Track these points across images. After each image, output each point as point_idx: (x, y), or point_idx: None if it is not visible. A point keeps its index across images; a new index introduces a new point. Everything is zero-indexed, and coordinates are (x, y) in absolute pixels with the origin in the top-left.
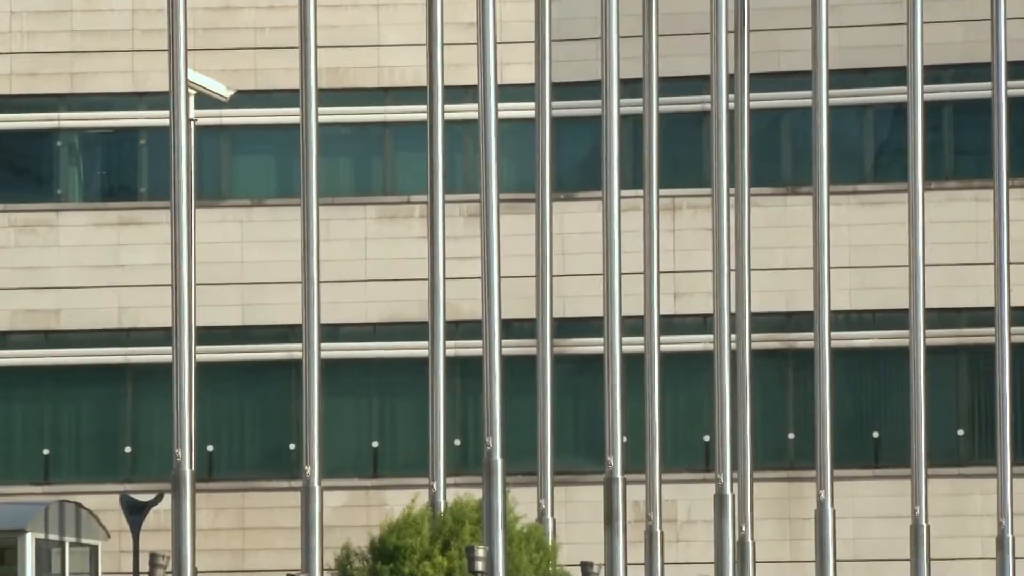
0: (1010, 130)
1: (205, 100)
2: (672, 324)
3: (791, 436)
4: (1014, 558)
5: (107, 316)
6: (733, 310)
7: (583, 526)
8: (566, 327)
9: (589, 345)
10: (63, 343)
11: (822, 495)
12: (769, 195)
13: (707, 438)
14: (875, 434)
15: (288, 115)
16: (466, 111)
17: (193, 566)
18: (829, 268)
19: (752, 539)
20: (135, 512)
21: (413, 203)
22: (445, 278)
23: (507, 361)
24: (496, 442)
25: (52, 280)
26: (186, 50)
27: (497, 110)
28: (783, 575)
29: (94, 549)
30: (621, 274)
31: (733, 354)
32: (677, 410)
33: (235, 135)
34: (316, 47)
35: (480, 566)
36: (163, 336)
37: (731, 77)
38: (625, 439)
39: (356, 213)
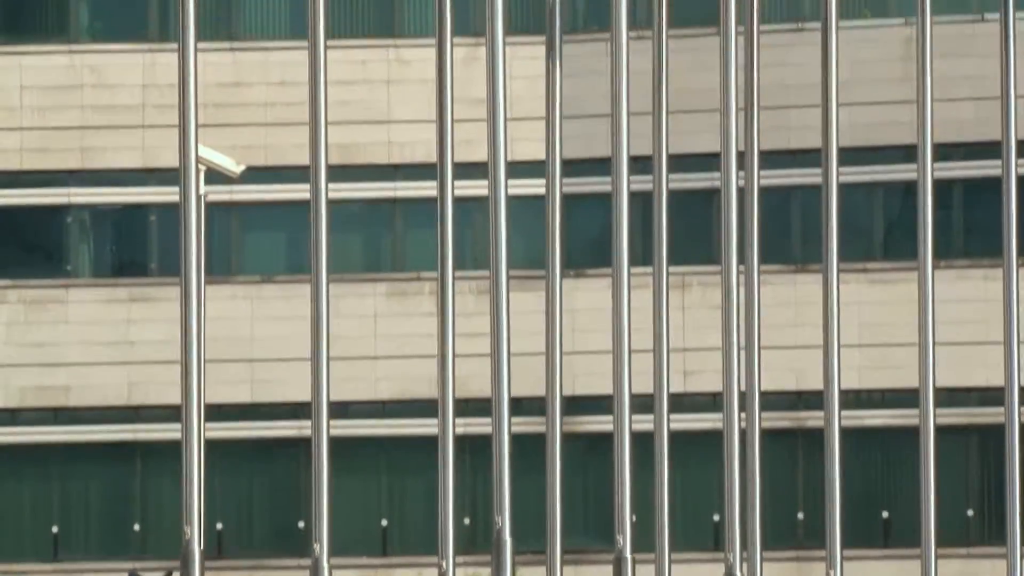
0: (1020, 209)
1: (215, 176)
2: (681, 402)
3: (800, 515)
4: None
5: (116, 393)
6: (742, 388)
7: None
8: (576, 405)
9: (598, 423)
10: (72, 420)
11: (832, 575)
12: (779, 272)
13: (716, 517)
14: (885, 514)
15: (298, 191)
16: (476, 187)
17: None
18: (839, 346)
19: None
20: None
21: (423, 280)
22: (454, 355)
23: (516, 439)
24: (505, 521)
25: (61, 357)
26: (196, 126)
27: (507, 186)
28: None
29: None
30: (631, 352)
31: (742, 433)
32: (686, 489)
33: (245, 211)
34: (326, 123)
35: None
36: (172, 413)
37: (741, 155)
38: (634, 518)
39: (366, 290)
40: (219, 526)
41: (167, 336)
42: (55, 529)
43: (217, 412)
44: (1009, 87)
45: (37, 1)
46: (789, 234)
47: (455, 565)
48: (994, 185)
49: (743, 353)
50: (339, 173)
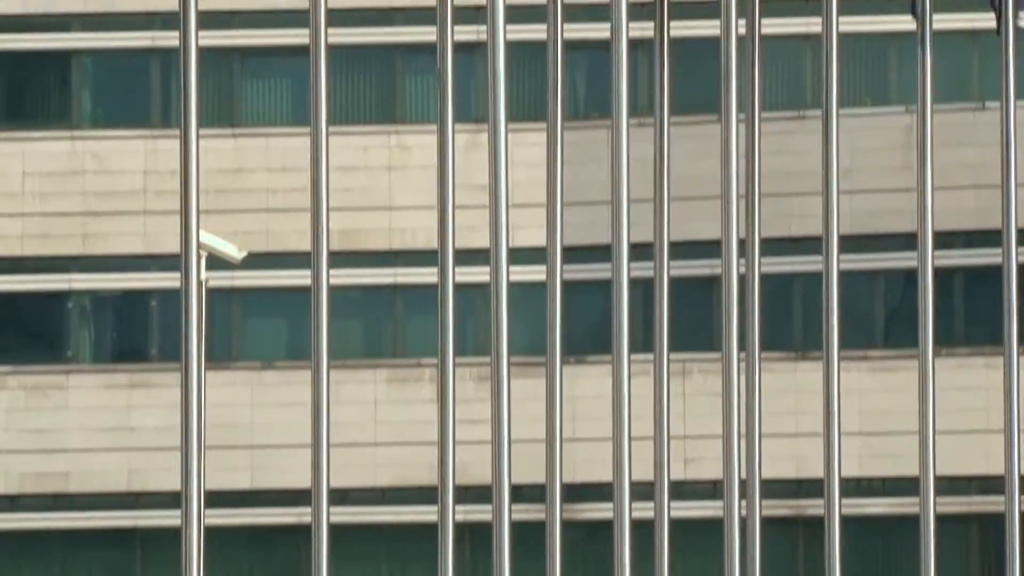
0: (1020, 297)
1: (217, 262)
2: (682, 490)
3: None
4: None
5: (116, 479)
6: (743, 476)
7: None
8: (576, 492)
9: (599, 510)
10: (72, 506)
11: None
12: (780, 360)
13: None
14: None
15: (299, 277)
16: (477, 274)
17: None
18: (839, 434)
19: None
20: None
21: (423, 366)
22: (454, 442)
23: (516, 526)
24: None
25: (62, 443)
26: (198, 212)
27: (508, 273)
28: None
29: None
30: (631, 438)
31: (743, 521)
32: None
33: (246, 297)
34: (328, 209)
35: None
36: (172, 499)
37: (742, 242)
38: None
39: (366, 376)
40: None
41: (167, 422)
42: None
43: (217, 498)
44: (1010, 175)
45: (40, 87)
46: (790, 321)
47: None
48: (995, 273)
49: (743, 440)
50: (340, 259)
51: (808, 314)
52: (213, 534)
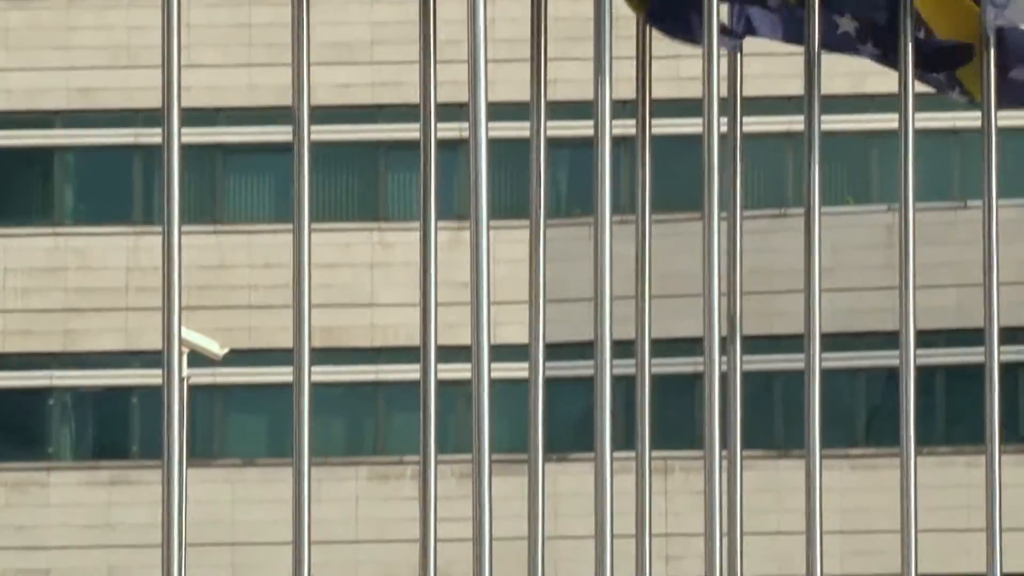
0: (1002, 397)
1: (198, 358)
2: None
3: None
4: None
5: None
6: (725, 573)
7: None
8: None
9: None
10: None
11: None
12: (761, 458)
13: None
14: None
15: (281, 374)
16: (459, 371)
17: None
18: (821, 532)
19: None
20: None
21: (405, 464)
22: (436, 539)
23: None
24: None
25: (42, 540)
26: (180, 308)
27: (490, 370)
28: None
29: None
30: (613, 536)
31: None
32: None
33: (228, 394)
34: (310, 306)
35: None
36: None
37: (723, 339)
38: None
39: (347, 473)
40: None
41: (148, 519)
42: None
43: None
44: (991, 274)
45: (22, 183)
46: (772, 419)
47: None
48: (977, 372)
49: (726, 538)
50: (322, 356)
51: (790, 412)
52: None
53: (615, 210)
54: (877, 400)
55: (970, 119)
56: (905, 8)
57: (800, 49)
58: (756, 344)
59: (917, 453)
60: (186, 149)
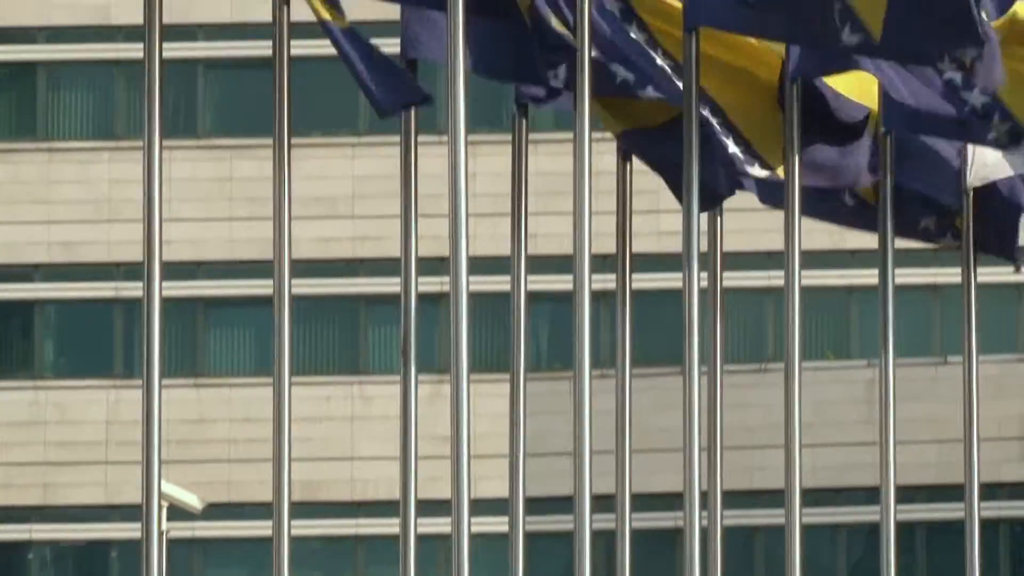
0: (983, 553)
1: (178, 512)
2: None
3: None
4: None
5: None
6: None
7: None
8: None
9: None
10: None
11: None
12: None
13: None
14: None
15: (260, 528)
16: (440, 525)
17: None
18: None
19: None
20: None
21: None
22: None
23: None
24: None
25: None
26: (160, 462)
27: (471, 524)
28: None
29: None
30: None
31: None
32: None
33: (207, 547)
34: (290, 460)
35: None
36: None
37: (704, 494)
38: None
39: None
40: None
41: None
42: None
43: None
44: (972, 430)
45: (2, 336)
46: (751, 574)
47: None
48: (957, 528)
49: None
50: (302, 510)
51: (771, 567)
52: None
53: (595, 364)
54: (858, 556)
55: (950, 275)
56: (886, 170)
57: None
58: (737, 499)
59: None
60: (167, 303)
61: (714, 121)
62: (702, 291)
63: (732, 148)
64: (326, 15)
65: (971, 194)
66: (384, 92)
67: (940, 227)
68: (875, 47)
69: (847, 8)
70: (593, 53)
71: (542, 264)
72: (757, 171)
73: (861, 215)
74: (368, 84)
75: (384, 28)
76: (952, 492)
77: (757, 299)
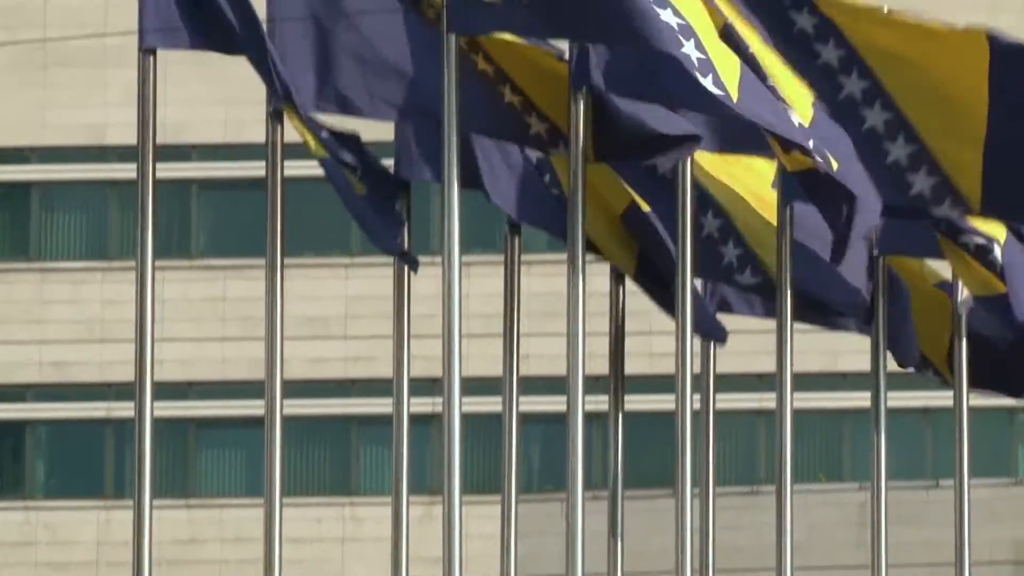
0: None
1: None
2: None
3: None
4: None
5: None
6: None
7: None
8: None
9: None
10: None
11: None
12: None
13: None
14: None
15: None
16: None
17: None
18: None
19: None
20: None
21: None
22: None
23: None
24: None
25: None
26: None
27: None
28: None
29: None
30: None
31: None
32: None
33: None
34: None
35: None
36: None
37: None
38: None
39: None
40: None
41: None
42: None
43: None
44: (963, 555)
45: None
46: None
47: None
48: None
49: None
50: None
51: None
52: None
53: (587, 486)
54: None
55: (942, 399)
56: (879, 285)
57: (773, 325)
58: None
59: None
60: (158, 423)
61: (715, 224)
62: (694, 413)
63: (729, 256)
64: (318, 150)
65: (963, 319)
66: (375, 231)
67: (925, 360)
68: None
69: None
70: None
71: (535, 385)
72: (748, 278)
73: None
74: (362, 219)
75: (378, 148)
76: None
77: (749, 421)
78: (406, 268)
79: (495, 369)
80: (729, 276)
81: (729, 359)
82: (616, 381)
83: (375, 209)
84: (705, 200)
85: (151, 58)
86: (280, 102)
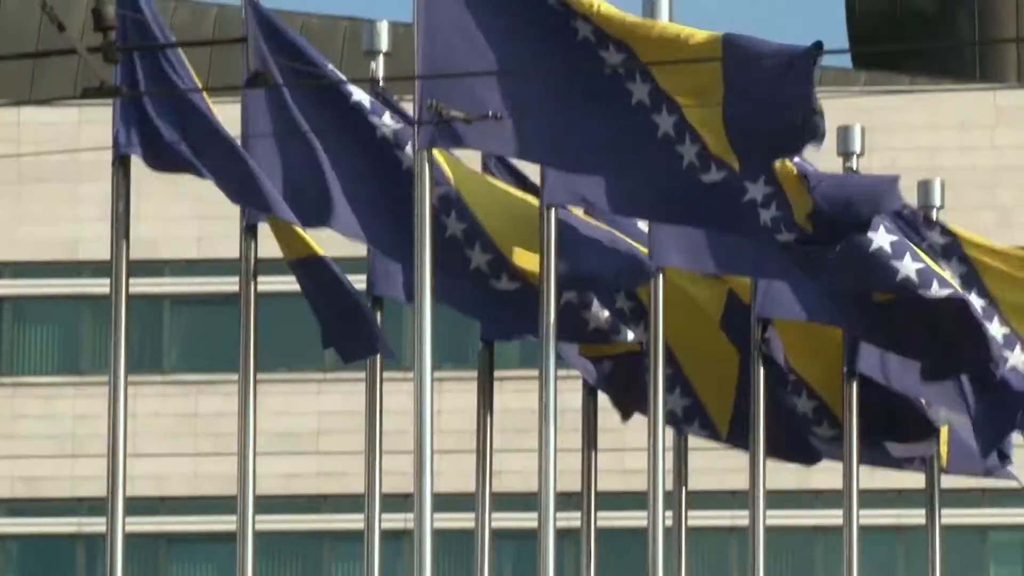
0: None
1: None
2: None
3: None
4: None
5: None
6: None
7: None
8: None
9: None
10: None
11: None
12: None
13: None
14: None
15: None
16: None
17: None
18: None
19: None
20: None
21: None
22: None
23: None
24: None
25: None
26: None
27: None
28: None
29: None
30: None
31: None
32: None
33: None
34: None
35: None
36: None
37: None
38: None
39: None
40: None
41: None
42: None
43: None
44: None
45: None
46: None
47: None
48: None
49: None
50: None
51: None
52: None
53: None
54: None
55: (915, 516)
56: (849, 404)
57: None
58: None
59: None
60: (129, 538)
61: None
62: (667, 530)
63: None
64: (301, 252)
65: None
66: (346, 340)
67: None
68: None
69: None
70: (570, 296)
71: (507, 501)
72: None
73: (831, 449)
74: (331, 329)
75: (351, 265)
76: None
77: (721, 538)
78: (379, 384)
79: (467, 485)
80: (807, 426)
81: (702, 476)
82: (588, 497)
83: (352, 316)
84: (781, 375)
85: (124, 170)
86: (256, 217)
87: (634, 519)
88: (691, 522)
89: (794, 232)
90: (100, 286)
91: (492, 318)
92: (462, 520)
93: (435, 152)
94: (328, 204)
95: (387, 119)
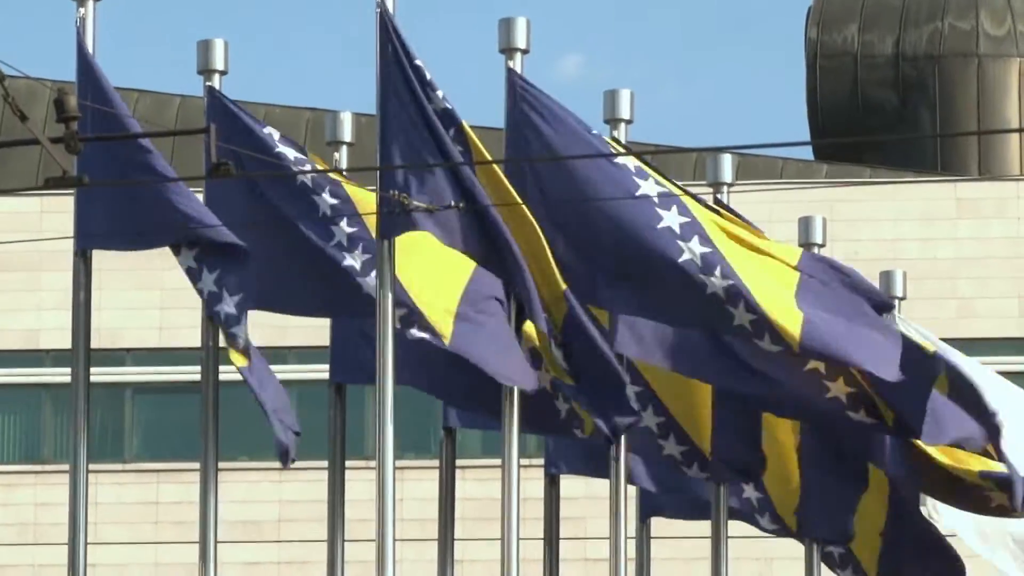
0: None
1: None
2: None
3: None
4: None
5: None
6: None
7: None
8: None
9: None
10: None
11: None
12: None
13: None
14: None
15: None
16: None
17: None
18: None
19: None
20: None
21: None
22: None
23: None
24: None
25: None
26: None
27: None
28: None
29: None
30: None
31: None
32: None
33: None
34: None
35: None
36: None
37: None
38: None
39: None
40: None
41: None
42: None
43: None
44: None
45: None
46: None
47: None
48: None
49: None
50: None
51: None
52: None
53: None
54: None
55: None
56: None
57: (708, 530)
58: None
59: None
60: None
61: (655, 421)
62: None
63: (669, 450)
64: (242, 361)
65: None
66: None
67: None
68: None
69: None
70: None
71: None
72: (696, 472)
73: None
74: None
75: (313, 354)
76: None
77: None
78: (341, 473)
79: (430, 574)
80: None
81: (665, 565)
82: None
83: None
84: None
85: (85, 260)
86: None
87: None
88: None
89: (781, 345)
90: (62, 375)
91: (456, 404)
92: None
93: None
94: (291, 288)
95: (327, 196)
